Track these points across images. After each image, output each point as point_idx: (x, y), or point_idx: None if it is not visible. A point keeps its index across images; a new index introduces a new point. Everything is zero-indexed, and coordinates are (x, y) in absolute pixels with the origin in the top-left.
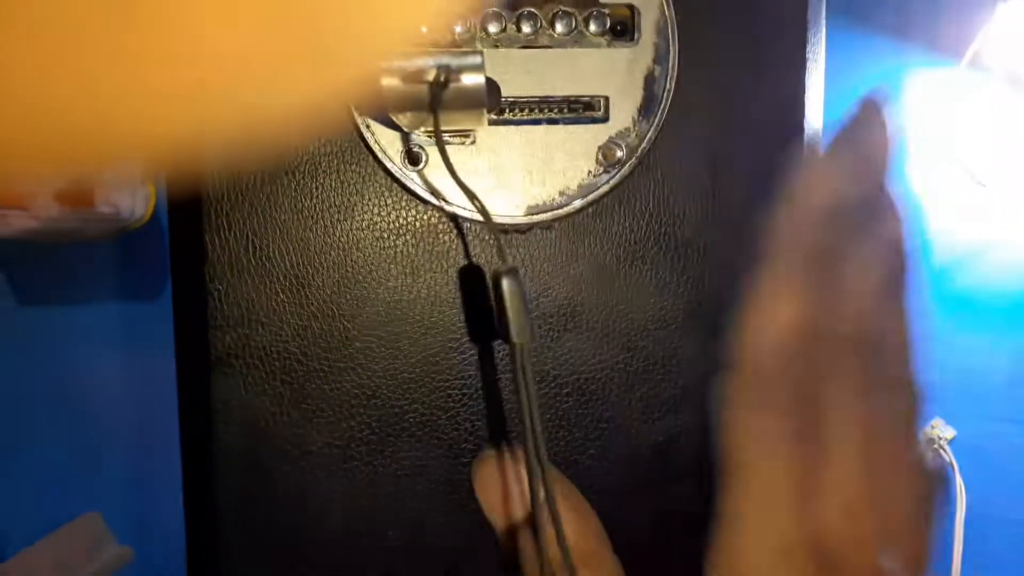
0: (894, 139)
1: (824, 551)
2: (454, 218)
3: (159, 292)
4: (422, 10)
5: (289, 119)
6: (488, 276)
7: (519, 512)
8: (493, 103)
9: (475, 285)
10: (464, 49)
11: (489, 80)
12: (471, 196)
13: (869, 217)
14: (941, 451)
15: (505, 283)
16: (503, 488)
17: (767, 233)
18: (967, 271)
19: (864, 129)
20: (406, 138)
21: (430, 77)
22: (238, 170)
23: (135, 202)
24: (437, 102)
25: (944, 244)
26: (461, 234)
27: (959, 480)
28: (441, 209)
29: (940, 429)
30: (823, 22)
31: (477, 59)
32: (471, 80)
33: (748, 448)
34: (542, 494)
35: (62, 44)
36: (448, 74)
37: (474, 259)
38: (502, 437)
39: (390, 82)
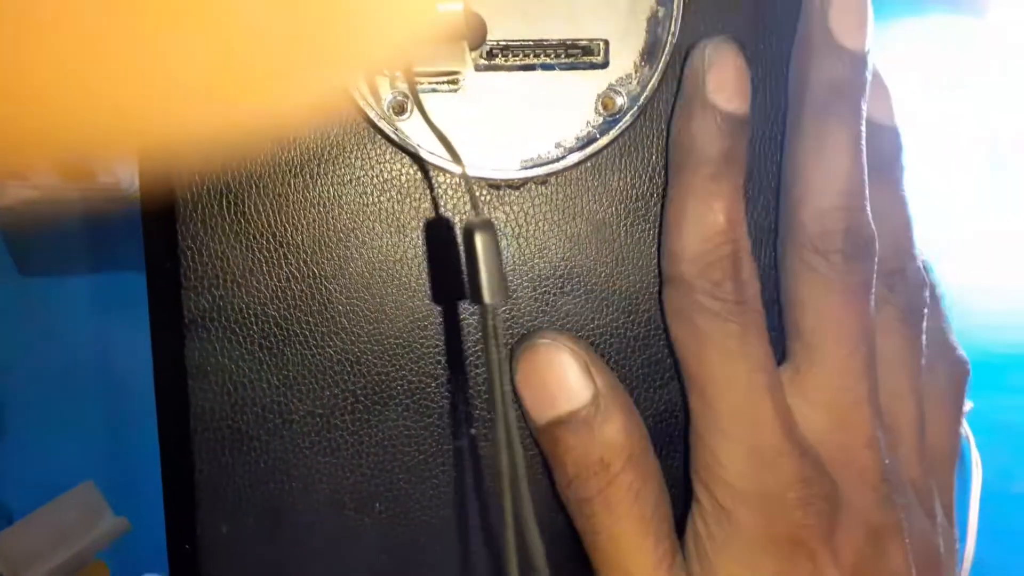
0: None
1: (816, 454)
2: (435, 171)
3: None
4: None
5: (288, 87)
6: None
7: (563, 408)
8: (476, 40)
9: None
10: None
11: (472, 14)
12: (444, 141)
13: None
14: None
15: (477, 237)
16: (550, 381)
17: (680, 137)
18: (986, 243)
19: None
20: (390, 86)
21: None
22: (241, 158)
23: (135, 173)
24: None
25: (962, 215)
26: (450, 189)
27: (976, 453)
28: (421, 159)
29: None
30: None
31: None
32: (446, 7)
33: (701, 356)
34: (507, 465)
35: (60, 25)
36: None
37: (466, 215)
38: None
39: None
